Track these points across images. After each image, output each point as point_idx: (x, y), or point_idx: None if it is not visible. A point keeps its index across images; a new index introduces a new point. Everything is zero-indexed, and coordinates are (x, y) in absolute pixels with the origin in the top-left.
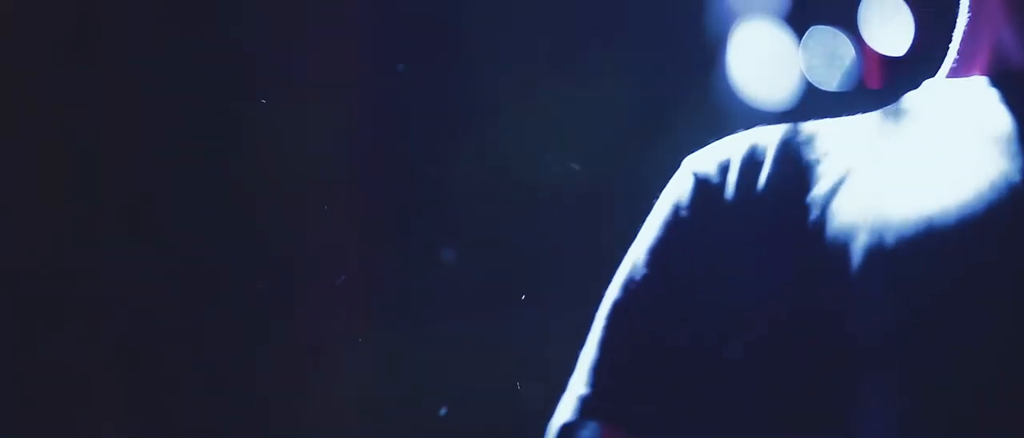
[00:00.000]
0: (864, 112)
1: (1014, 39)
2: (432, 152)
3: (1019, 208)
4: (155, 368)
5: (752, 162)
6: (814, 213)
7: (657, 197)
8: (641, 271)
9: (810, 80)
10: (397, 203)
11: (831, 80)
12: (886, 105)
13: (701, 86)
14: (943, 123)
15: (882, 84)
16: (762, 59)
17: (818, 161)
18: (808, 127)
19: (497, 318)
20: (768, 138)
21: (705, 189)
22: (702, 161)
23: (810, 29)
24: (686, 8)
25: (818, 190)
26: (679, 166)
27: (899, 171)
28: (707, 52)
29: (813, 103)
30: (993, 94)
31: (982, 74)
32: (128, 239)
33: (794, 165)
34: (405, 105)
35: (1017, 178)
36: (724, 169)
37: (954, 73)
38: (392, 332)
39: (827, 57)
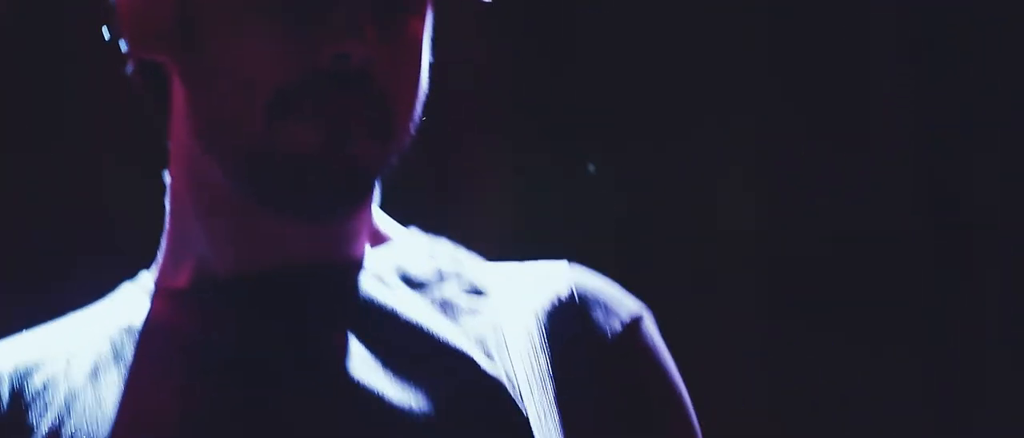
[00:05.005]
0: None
1: (212, 247)
2: None
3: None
4: None
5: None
6: None
7: None
8: None
9: None
10: None
11: None
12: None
13: None
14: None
15: None
16: None
17: (54, 390)
18: (40, 342)
19: None
20: (3, 370)
21: None
22: None
23: None
24: None
25: (57, 427)
26: None
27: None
28: None
29: None
30: (194, 314)
31: (190, 282)
32: None
33: (30, 403)
34: None
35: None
36: None
37: (164, 278)
38: None
39: None
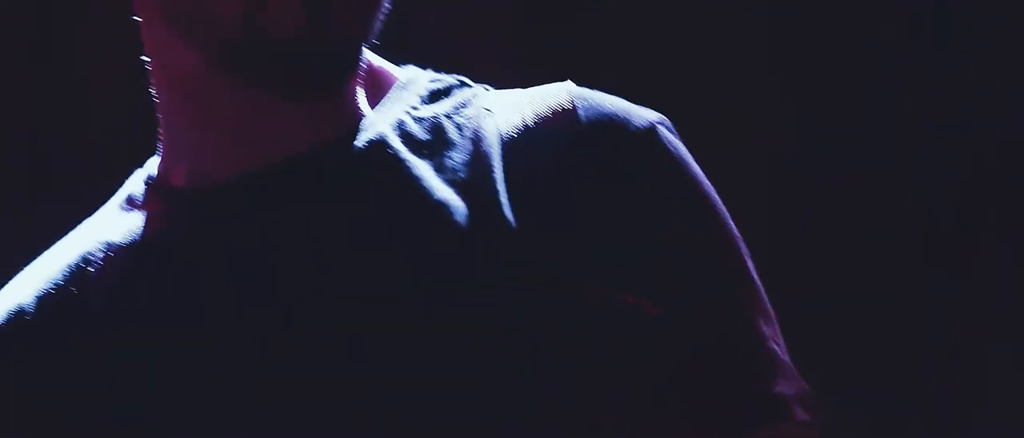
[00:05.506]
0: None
1: (202, 142)
2: None
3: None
4: None
5: (21, 339)
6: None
7: None
8: None
9: None
10: None
11: None
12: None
13: None
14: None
15: None
16: None
17: (80, 315)
18: (57, 266)
19: None
20: (27, 300)
21: None
22: None
23: None
24: None
25: (89, 353)
26: None
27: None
28: None
29: None
30: (190, 221)
31: (186, 183)
32: None
33: (61, 331)
34: None
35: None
36: None
37: (163, 177)
38: None
39: None
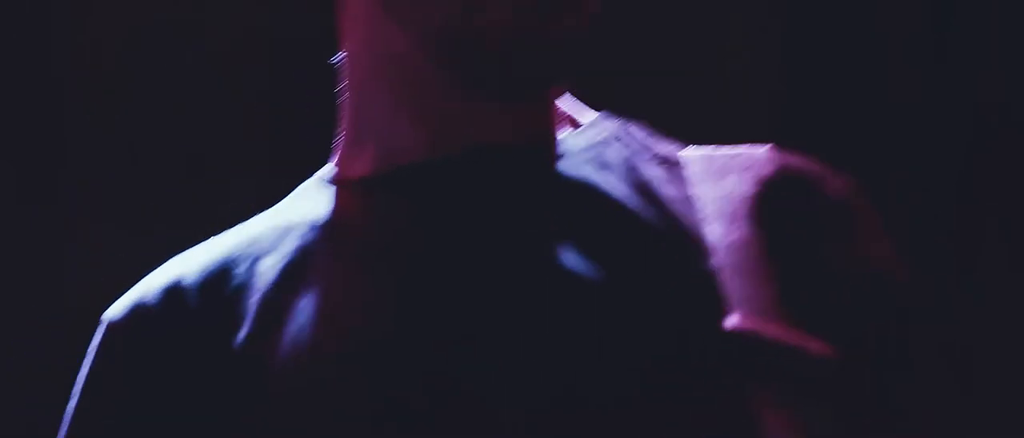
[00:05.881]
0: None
1: (398, 129)
2: None
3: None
4: None
5: (177, 313)
6: (255, 365)
7: None
8: None
9: None
10: None
11: None
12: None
13: None
14: (346, 242)
15: None
16: None
17: (246, 293)
18: (225, 245)
19: None
20: (189, 273)
21: (134, 354)
22: (123, 320)
23: None
24: None
25: (254, 333)
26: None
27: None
28: None
29: None
30: (385, 201)
31: (375, 168)
32: None
33: (222, 307)
34: None
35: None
36: (149, 326)
37: (347, 167)
38: None
39: None
